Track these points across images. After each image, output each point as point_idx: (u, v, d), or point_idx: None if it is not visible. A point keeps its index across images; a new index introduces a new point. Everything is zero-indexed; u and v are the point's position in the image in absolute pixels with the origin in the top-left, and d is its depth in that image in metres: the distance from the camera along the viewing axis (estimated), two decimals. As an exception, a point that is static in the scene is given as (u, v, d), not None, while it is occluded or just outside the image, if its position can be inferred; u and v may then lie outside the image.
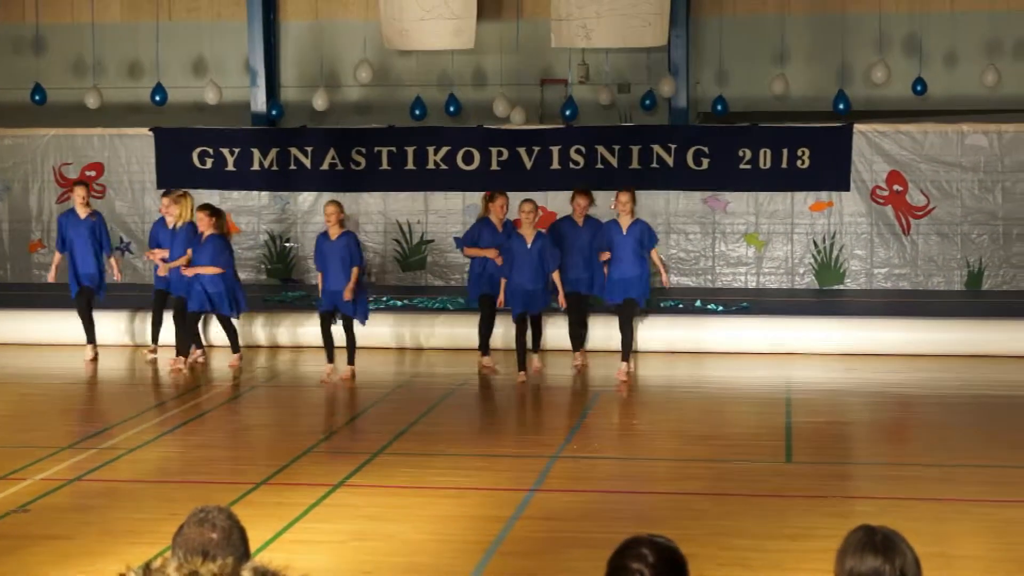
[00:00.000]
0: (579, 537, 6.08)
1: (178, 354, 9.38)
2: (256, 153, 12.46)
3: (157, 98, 12.51)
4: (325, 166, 12.44)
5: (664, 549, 2.09)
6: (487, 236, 9.58)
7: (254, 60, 13.08)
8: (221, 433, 8.11)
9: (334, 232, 9.03)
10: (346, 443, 7.39)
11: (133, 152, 12.58)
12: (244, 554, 2.33)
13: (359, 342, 9.21)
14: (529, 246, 8.99)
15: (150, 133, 12.44)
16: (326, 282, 8.78)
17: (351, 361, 8.77)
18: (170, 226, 9.75)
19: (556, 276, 8.92)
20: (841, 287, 12.54)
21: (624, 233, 9.39)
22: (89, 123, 12.88)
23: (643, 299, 9.73)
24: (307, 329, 10.38)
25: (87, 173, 12.49)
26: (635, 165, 12.99)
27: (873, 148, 12.74)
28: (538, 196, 13.14)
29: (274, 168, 12.47)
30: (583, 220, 9.65)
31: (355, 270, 8.60)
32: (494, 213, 9.60)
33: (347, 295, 8.65)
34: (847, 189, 12.81)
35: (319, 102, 12.47)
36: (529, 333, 9.29)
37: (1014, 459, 7.90)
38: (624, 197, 9.38)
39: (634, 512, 6.38)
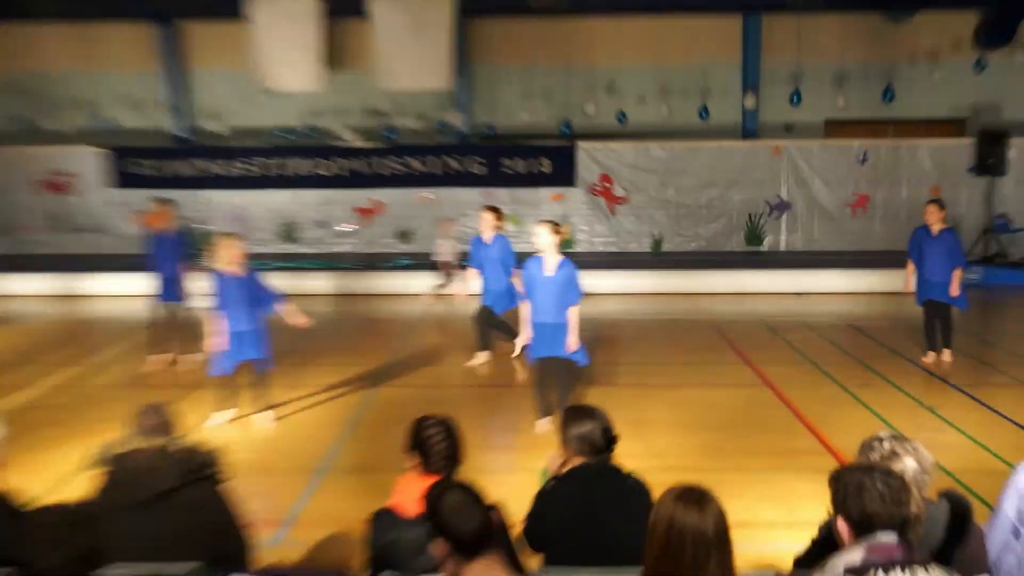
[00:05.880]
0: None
1: None
2: None
3: None
4: None
5: (446, 421, 3.32)
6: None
7: None
8: None
9: None
10: None
11: None
12: (173, 436, 3.51)
13: None
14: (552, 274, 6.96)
15: None
16: None
17: None
18: None
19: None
20: (572, 251, 14.93)
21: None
22: None
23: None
24: None
25: None
26: (436, 171, 16.15)
27: (591, 159, 15.96)
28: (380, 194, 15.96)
29: None
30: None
31: None
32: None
33: None
34: (574, 185, 16.03)
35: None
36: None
37: (688, 359, 9.86)
38: (933, 208, 9.38)
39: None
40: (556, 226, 6.89)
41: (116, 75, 17.11)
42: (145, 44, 17.01)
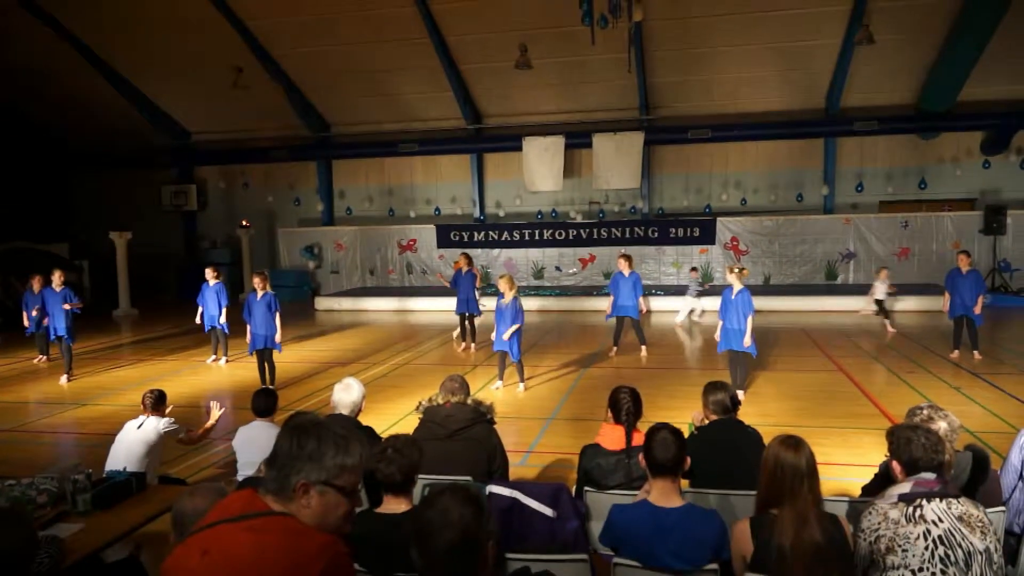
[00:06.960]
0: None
1: None
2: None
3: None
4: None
5: (633, 389, 3.55)
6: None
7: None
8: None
9: None
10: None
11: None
12: (468, 394, 4.19)
13: None
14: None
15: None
16: None
17: None
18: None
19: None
20: (712, 283, 20.93)
21: (964, 275, 10.81)
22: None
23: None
24: None
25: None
26: (628, 236, 21.75)
27: (725, 227, 22.59)
28: (593, 251, 23.14)
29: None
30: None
31: None
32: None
33: None
34: (714, 244, 22.01)
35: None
36: None
37: (787, 353, 11.62)
38: (963, 256, 10.93)
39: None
40: (741, 270, 9.06)
41: (445, 184, 25.35)
42: (463, 166, 24.88)
